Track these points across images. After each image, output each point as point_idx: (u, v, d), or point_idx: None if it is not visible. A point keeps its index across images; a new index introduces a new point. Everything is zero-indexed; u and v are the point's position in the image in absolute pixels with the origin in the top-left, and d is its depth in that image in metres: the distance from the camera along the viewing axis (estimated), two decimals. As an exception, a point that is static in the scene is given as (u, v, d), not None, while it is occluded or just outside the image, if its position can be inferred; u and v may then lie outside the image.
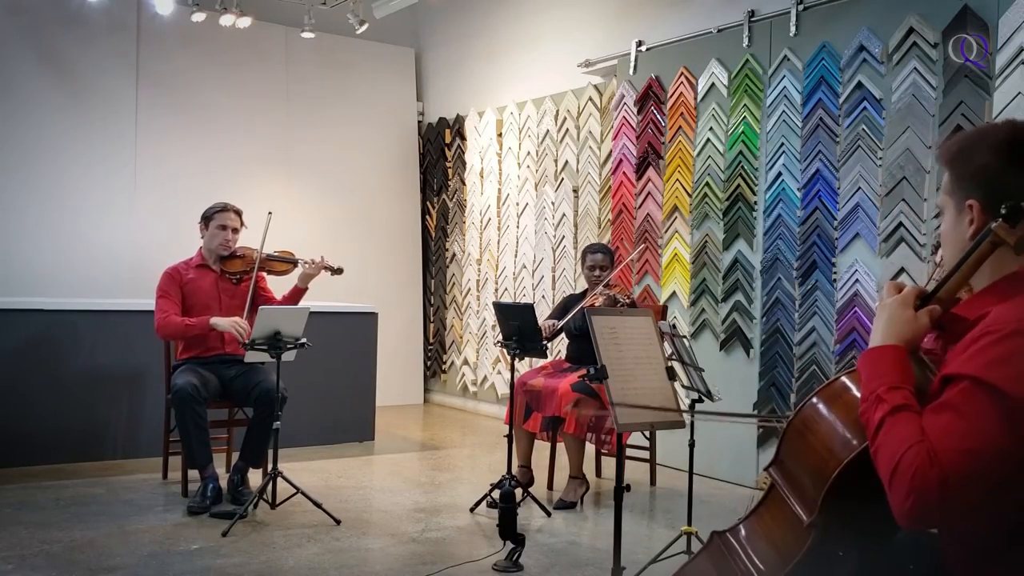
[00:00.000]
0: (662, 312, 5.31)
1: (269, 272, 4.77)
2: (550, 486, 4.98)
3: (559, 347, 6.59)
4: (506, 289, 7.44)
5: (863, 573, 1.61)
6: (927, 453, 1.35)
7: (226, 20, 6.87)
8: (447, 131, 8.25)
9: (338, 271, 4.75)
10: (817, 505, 1.55)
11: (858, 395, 1.59)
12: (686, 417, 3.19)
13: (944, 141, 1.74)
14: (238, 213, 4.72)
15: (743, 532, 1.75)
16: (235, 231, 4.69)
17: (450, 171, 8.24)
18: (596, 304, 4.66)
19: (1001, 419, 1.33)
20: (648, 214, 5.90)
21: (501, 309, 4.53)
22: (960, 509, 1.35)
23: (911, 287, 1.61)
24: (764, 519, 1.73)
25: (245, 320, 4.45)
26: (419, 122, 8.55)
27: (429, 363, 8.44)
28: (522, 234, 7.29)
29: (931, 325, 1.56)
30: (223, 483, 4.44)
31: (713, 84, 5.52)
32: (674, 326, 4.15)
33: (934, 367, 1.56)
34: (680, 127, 5.72)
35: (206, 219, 4.70)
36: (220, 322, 4.45)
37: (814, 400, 1.66)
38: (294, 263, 4.74)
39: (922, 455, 1.35)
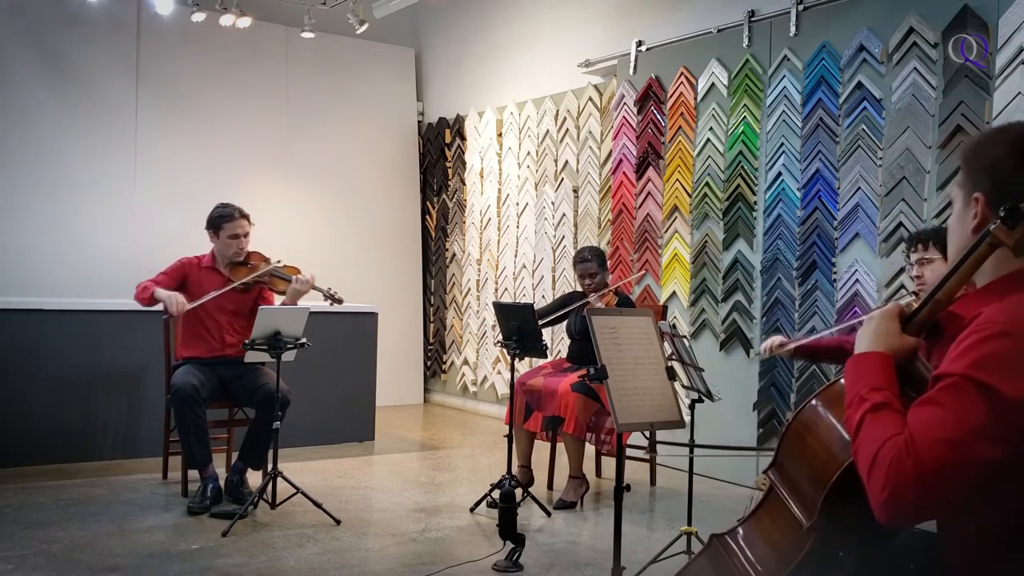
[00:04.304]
0: (662, 312, 5.31)
1: (271, 289, 4.71)
2: (550, 486, 4.98)
3: (559, 347, 6.59)
4: (506, 289, 7.44)
5: (863, 573, 1.61)
6: (905, 444, 1.33)
7: (226, 20, 6.87)
8: (447, 131, 8.25)
9: (333, 299, 4.64)
10: (817, 508, 1.54)
11: None
12: (686, 417, 3.19)
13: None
14: (246, 217, 4.64)
15: (742, 534, 1.75)
16: (246, 235, 4.64)
17: (450, 171, 8.24)
18: None
19: (986, 412, 1.32)
20: (648, 214, 5.90)
21: (501, 309, 4.53)
22: (935, 502, 1.33)
23: (894, 304, 1.62)
24: (763, 522, 1.72)
25: (184, 300, 4.42)
26: (419, 122, 8.55)
27: (429, 363, 8.44)
28: (522, 234, 7.28)
29: (917, 341, 1.56)
30: (223, 483, 4.44)
31: (713, 84, 5.52)
32: (674, 326, 4.15)
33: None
34: (680, 127, 5.72)
35: (215, 228, 4.62)
36: (161, 293, 4.44)
37: (813, 403, 1.65)
38: (290, 281, 4.60)
39: (900, 446, 1.34)
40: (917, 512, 1.34)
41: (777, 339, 3.51)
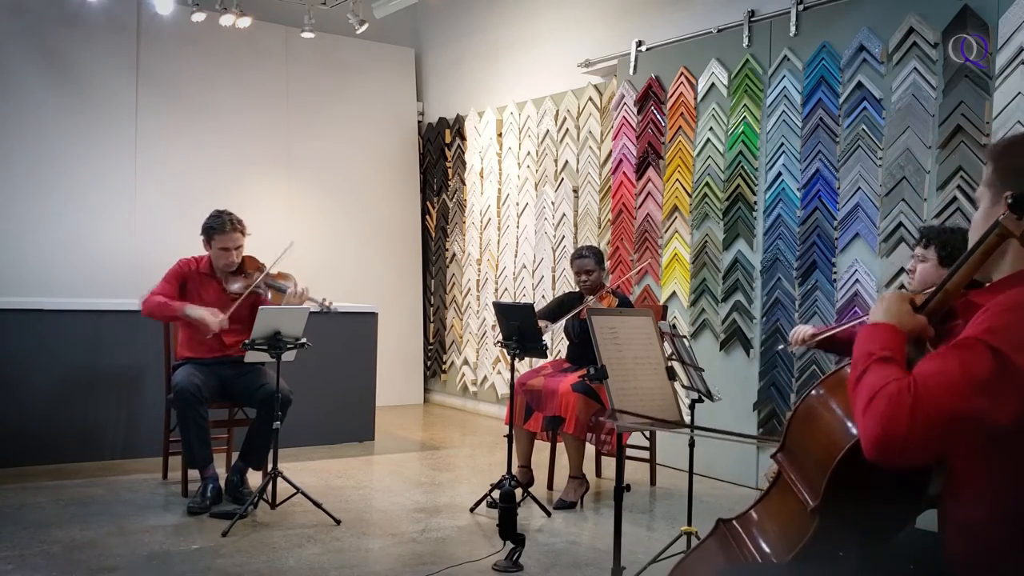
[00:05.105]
0: (662, 312, 5.31)
1: (267, 300, 4.60)
2: (550, 486, 4.98)
3: (559, 347, 6.59)
4: (506, 289, 7.44)
5: (863, 573, 1.61)
6: (908, 384, 1.38)
7: (226, 20, 6.87)
8: (447, 131, 8.25)
9: (325, 309, 4.54)
10: (821, 490, 1.57)
11: None
12: (686, 417, 3.19)
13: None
14: (240, 229, 4.55)
15: (749, 519, 1.78)
16: (238, 248, 4.57)
17: (450, 171, 8.24)
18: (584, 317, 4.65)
19: (991, 369, 1.36)
20: (648, 214, 5.90)
21: (501, 309, 4.53)
22: (923, 443, 1.36)
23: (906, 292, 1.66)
24: (770, 506, 1.76)
25: (223, 315, 4.40)
26: (419, 122, 8.55)
27: (429, 363, 8.44)
28: (522, 234, 7.29)
29: (927, 323, 1.58)
30: (223, 483, 4.44)
31: (713, 84, 5.52)
32: (674, 326, 4.15)
33: None
34: (680, 127, 5.72)
35: (208, 237, 4.55)
36: (193, 311, 4.40)
37: (819, 388, 1.70)
38: (285, 292, 4.55)
39: (902, 386, 1.38)
40: (905, 449, 1.37)
41: (808, 330, 3.37)
